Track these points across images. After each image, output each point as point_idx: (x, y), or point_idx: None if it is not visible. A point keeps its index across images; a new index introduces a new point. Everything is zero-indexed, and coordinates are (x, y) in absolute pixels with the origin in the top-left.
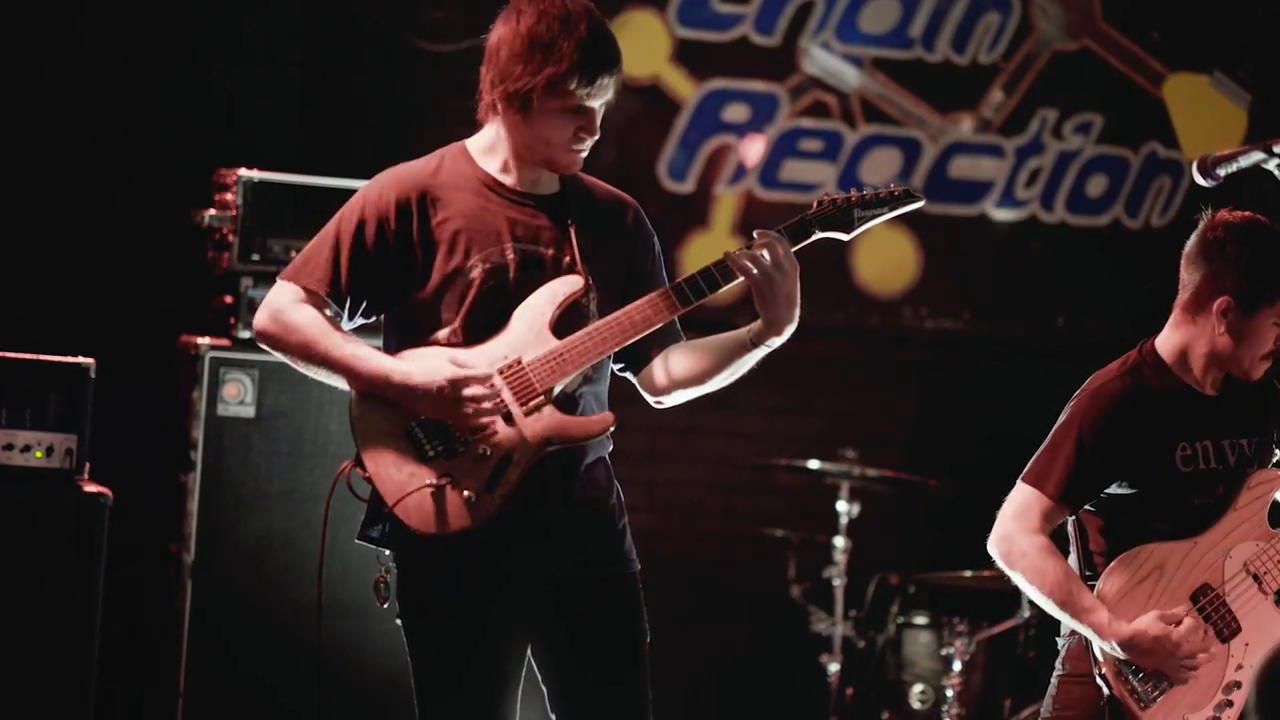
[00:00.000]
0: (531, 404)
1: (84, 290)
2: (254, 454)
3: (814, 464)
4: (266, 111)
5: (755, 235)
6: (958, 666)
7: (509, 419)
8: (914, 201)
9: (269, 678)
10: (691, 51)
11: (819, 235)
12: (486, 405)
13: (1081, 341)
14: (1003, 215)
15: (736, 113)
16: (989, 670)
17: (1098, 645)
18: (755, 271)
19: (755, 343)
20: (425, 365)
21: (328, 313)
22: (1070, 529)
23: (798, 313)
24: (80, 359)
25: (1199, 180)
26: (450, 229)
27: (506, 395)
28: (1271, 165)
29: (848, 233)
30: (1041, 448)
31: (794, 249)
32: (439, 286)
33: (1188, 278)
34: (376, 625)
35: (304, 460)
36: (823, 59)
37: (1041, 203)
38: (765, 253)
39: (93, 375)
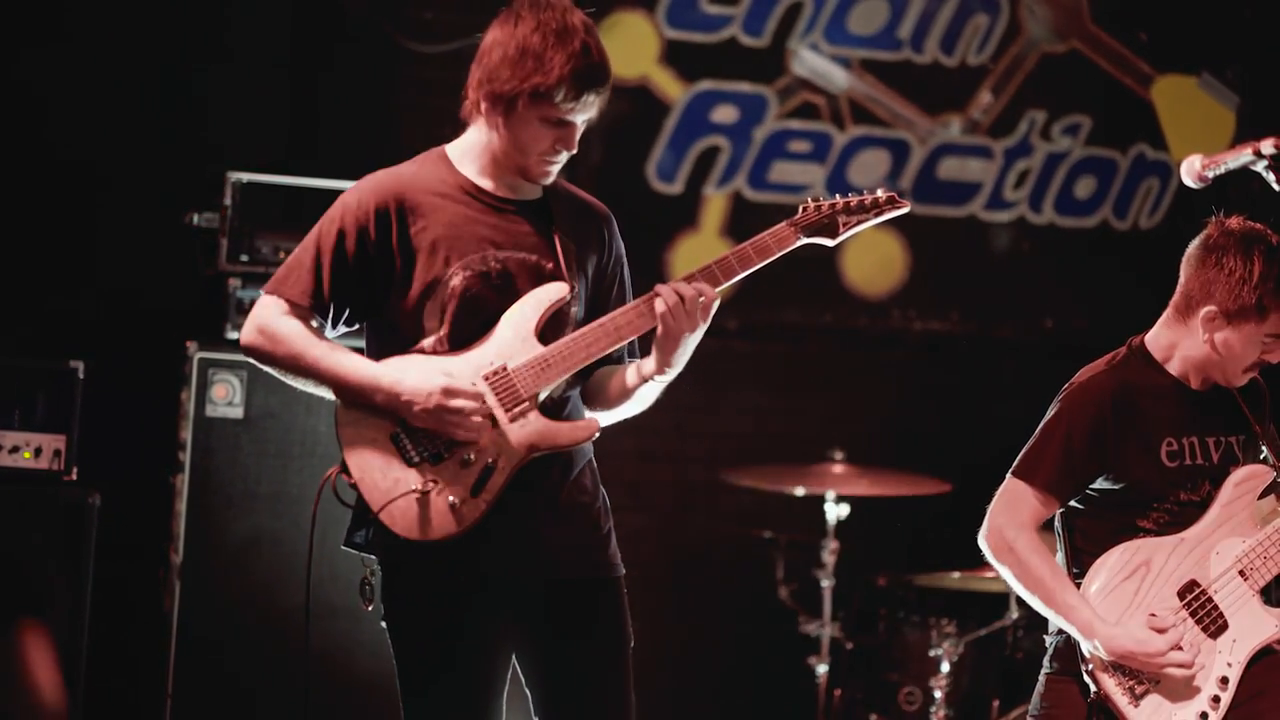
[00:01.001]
0: (517, 410)
1: (73, 291)
2: (242, 455)
3: (802, 465)
4: (256, 112)
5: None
6: (946, 668)
7: (495, 425)
8: (899, 208)
9: (256, 678)
10: (680, 53)
11: (804, 241)
12: (475, 418)
13: (1070, 342)
14: (991, 217)
15: (725, 114)
16: (977, 671)
17: (1084, 643)
18: (672, 322)
19: (647, 378)
20: (415, 375)
21: (313, 324)
22: (1058, 524)
23: (687, 359)
24: (69, 361)
25: (1187, 182)
26: (430, 236)
27: (492, 401)
28: (1259, 167)
29: (833, 239)
30: (1030, 442)
31: (777, 256)
32: (421, 294)
33: (1184, 279)
34: (364, 627)
35: (292, 461)
36: (811, 60)
37: (1030, 204)
38: (686, 309)
39: (81, 376)
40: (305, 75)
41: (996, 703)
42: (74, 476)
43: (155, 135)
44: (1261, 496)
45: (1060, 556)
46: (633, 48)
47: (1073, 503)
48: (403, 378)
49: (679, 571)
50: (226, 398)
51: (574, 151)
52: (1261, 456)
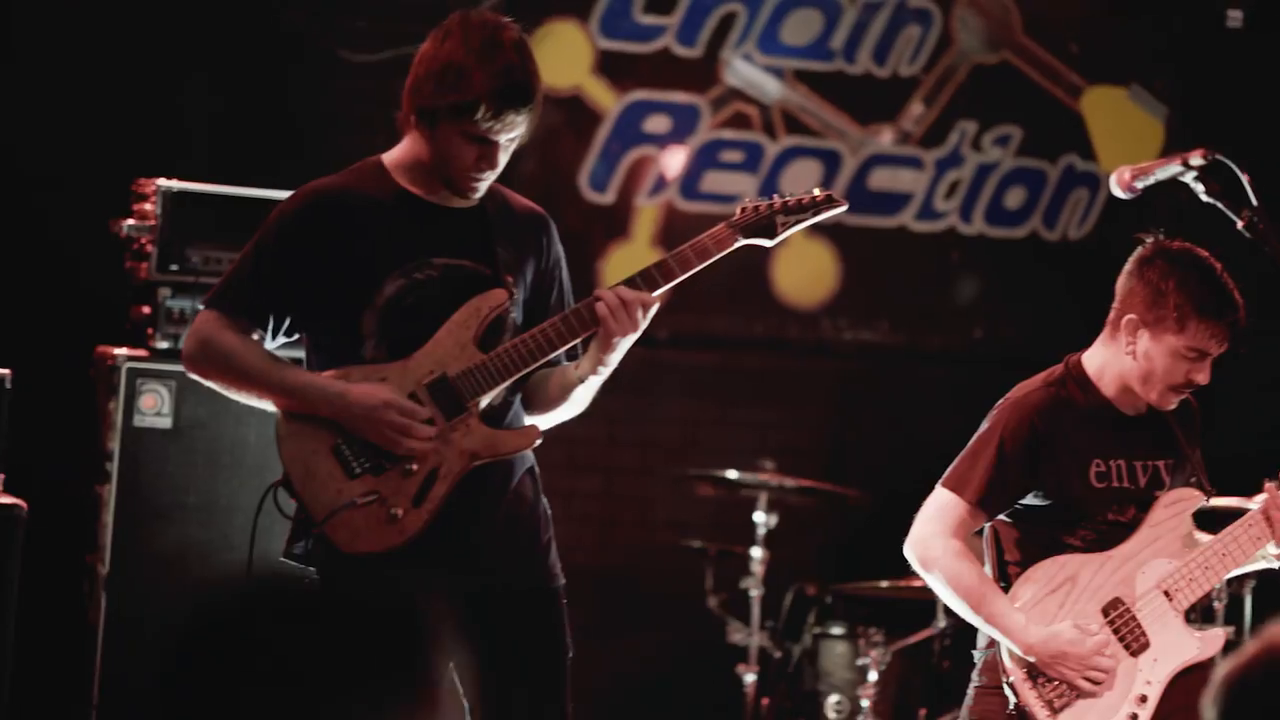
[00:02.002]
0: (458, 418)
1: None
2: (171, 465)
3: (732, 474)
4: (187, 120)
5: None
6: (873, 677)
7: (436, 435)
8: (836, 206)
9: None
10: (613, 63)
11: (742, 243)
12: (418, 431)
13: (999, 353)
14: (922, 227)
15: (658, 124)
16: (904, 680)
17: (1007, 650)
18: (614, 325)
19: (582, 379)
20: (358, 387)
21: (254, 336)
22: (986, 537)
23: (619, 359)
24: None
25: (1116, 193)
26: (367, 245)
27: (433, 410)
28: (1188, 178)
29: (771, 239)
30: (962, 454)
31: (716, 258)
32: (359, 303)
33: (1116, 293)
34: None
35: (221, 471)
36: (744, 70)
37: (960, 214)
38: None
39: (8, 386)
40: (238, 83)
41: (924, 712)
42: (0, 487)
43: (86, 143)
44: (1189, 518)
45: (987, 568)
46: (566, 58)
47: (1001, 516)
48: (346, 390)
49: (609, 581)
50: (155, 408)
51: (498, 170)
52: (1191, 480)
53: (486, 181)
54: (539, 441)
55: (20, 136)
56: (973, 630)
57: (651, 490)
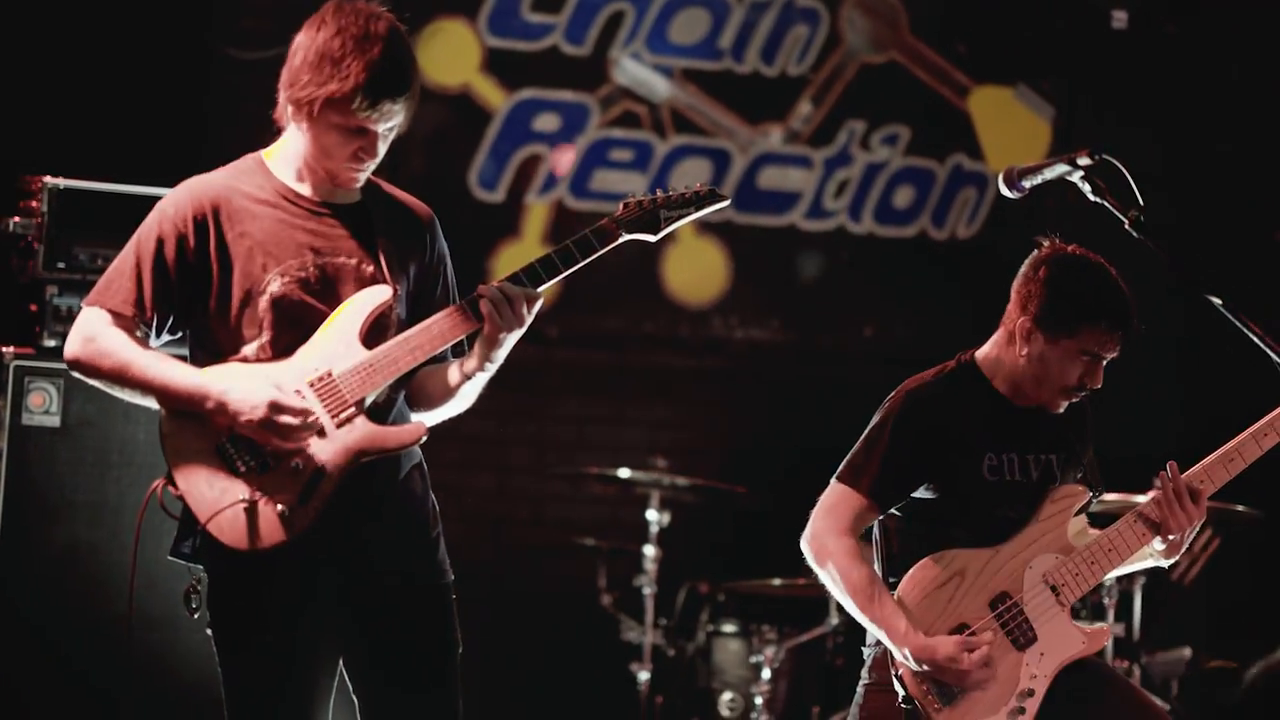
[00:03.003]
0: (343, 416)
1: None
2: (59, 464)
3: (624, 473)
4: (72, 117)
5: (510, 278)
6: (767, 674)
7: (321, 432)
8: (719, 201)
9: (73, 689)
10: (502, 61)
11: (626, 238)
12: (302, 431)
13: (889, 351)
14: (811, 226)
15: (547, 122)
16: (798, 678)
17: (895, 651)
18: (499, 321)
19: (469, 375)
20: (242, 385)
21: (138, 334)
22: (875, 531)
23: (506, 354)
24: None
25: (1004, 192)
26: (248, 243)
27: (318, 408)
28: (1075, 178)
29: (654, 234)
30: (855, 446)
31: (601, 252)
32: (241, 301)
33: (1011, 297)
34: (184, 636)
35: (110, 470)
36: (633, 69)
37: (849, 213)
38: (512, 307)
39: None
40: (124, 80)
41: (817, 709)
42: None
43: None
44: (1076, 515)
45: (876, 563)
46: (454, 56)
47: (892, 510)
48: (230, 387)
49: (501, 579)
50: (43, 406)
51: (378, 159)
52: (1079, 476)
53: (367, 171)
54: (425, 437)
55: None
56: (864, 629)
57: (544, 488)
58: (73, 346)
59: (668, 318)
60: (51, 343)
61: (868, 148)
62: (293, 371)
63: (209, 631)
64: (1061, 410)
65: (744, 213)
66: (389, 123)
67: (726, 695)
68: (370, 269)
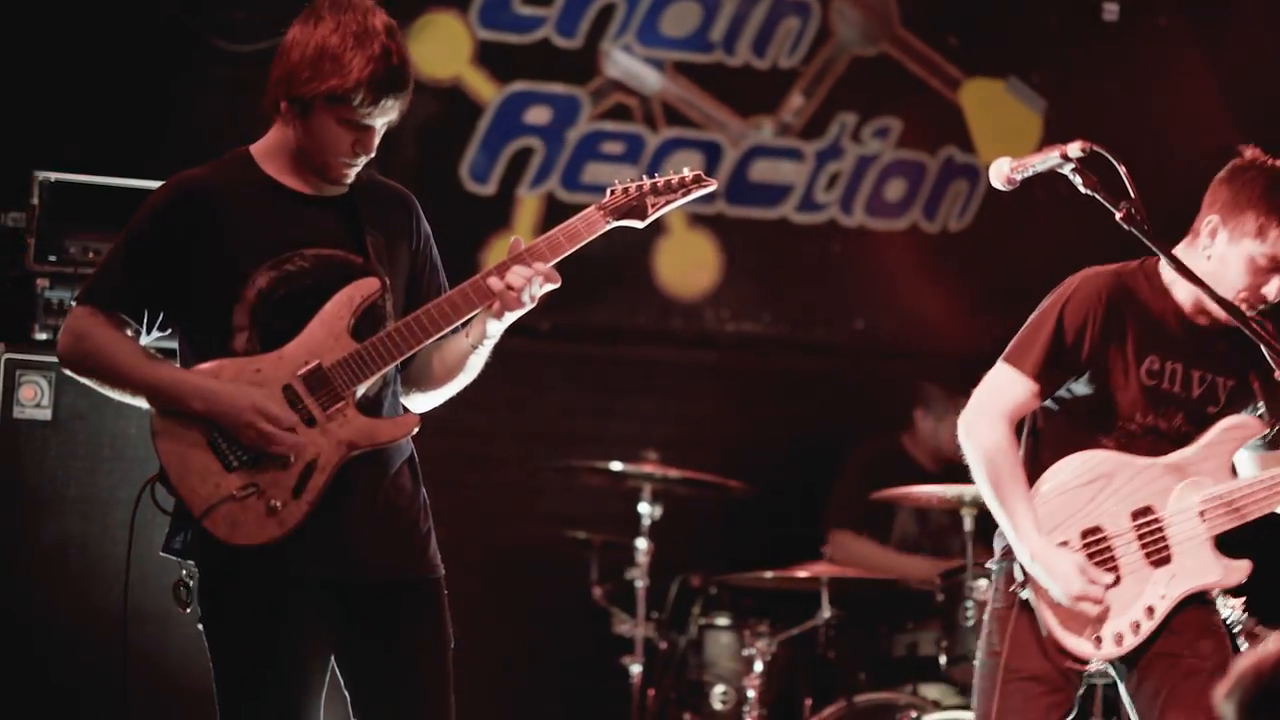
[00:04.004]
0: (335, 408)
1: None
2: (51, 458)
3: (616, 466)
4: (65, 111)
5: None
6: (759, 667)
7: (313, 425)
8: (705, 186)
9: (66, 683)
10: (493, 53)
11: (613, 224)
12: (284, 438)
13: (881, 344)
14: (803, 219)
15: (538, 115)
16: (790, 670)
17: (1015, 547)
18: (512, 297)
19: (475, 347)
20: (229, 388)
21: (128, 332)
22: (1025, 425)
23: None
24: None
25: (995, 184)
26: (237, 237)
27: (309, 401)
28: (1066, 170)
29: (642, 220)
30: (1023, 328)
31: (589, 239)
32: (230, 295)
33: (1203, 202)
34: (175, 630)
35: (102, 464)
36: (624, 62)
37: (841, 206)
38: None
39: None
40: (117, 73)
41: (809, 701)
42: None
43: None
44: (1254, 450)
45: (1022, 455)
46: (445, 48)
47: (1046, 403)
48: (219, 389)
49: (492, 573)
50: (34, 399)
51: (372, 154)
52: (1255, 408)
53: (359, 167)
54: (417, 429)
55: None
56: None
57: (535, 482)
58: (63, 345)
59: (659, 310)
60: (43, 336)
61: (859, 140)
62: (282, 365)
63: (200, 626)
64: (1234, 312)
65: (735, 205)
66: (386, 118)
67: (719, 688)
68: (359, 260)
